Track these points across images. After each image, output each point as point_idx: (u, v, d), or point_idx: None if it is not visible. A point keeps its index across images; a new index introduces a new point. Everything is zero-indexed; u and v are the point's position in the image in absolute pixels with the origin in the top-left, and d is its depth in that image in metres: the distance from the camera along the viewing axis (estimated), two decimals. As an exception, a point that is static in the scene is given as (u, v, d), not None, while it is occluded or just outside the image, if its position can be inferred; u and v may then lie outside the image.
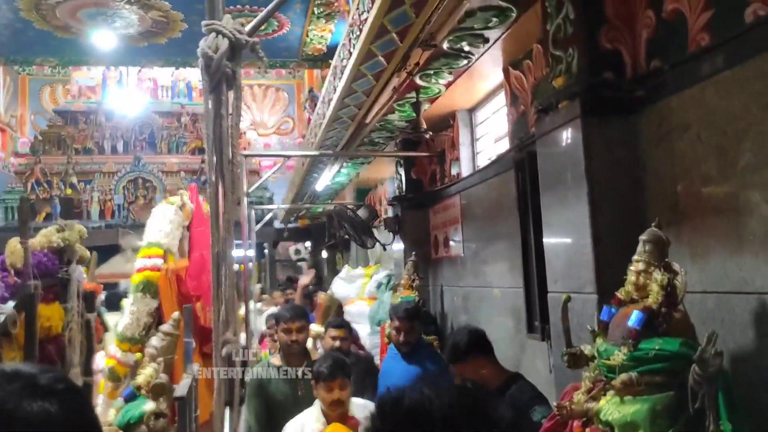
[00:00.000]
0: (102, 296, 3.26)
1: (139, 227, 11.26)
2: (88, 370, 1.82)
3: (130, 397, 2.78)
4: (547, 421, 2.17)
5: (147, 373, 2.79)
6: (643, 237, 2.12)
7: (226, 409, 1.72)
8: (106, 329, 3.19)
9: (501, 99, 4.64)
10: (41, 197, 12.23)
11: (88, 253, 1.81)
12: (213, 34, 1.81)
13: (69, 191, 12.36)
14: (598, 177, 2.63)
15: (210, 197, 1.88)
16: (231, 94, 1.84)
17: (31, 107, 13.88)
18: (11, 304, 1.34)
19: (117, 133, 13.32)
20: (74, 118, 13.38)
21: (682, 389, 1.82)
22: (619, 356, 1.96)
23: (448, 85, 4.47)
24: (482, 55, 3.89)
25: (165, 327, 2.96)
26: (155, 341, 2.92)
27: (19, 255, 1.41)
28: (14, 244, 1.44)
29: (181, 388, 2.61)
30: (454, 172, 5.49)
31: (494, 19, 3.36)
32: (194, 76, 14.47)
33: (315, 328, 4.45)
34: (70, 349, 1.64)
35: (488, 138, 5.10)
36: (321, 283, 12.29)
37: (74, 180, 12.49)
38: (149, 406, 2.63)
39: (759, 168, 2.02)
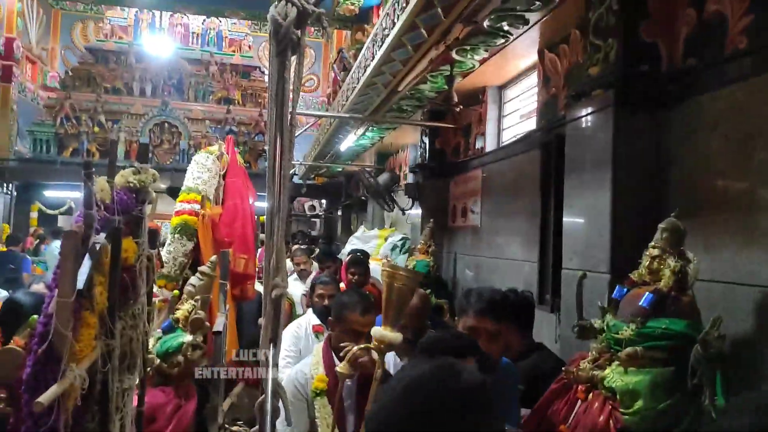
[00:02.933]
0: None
1: (162, 170, 11.53)
2: (149, 300, 2.02)
3: (169, 329, 3.01)
4: (555, 383, 2.36)
5: (185, 309, 3.02)
6: (661, 225, 2.28)
7: (270, 345, 1.92)
8: (162, 265, 3.41)
9: (532, 79, 4.73)
10: (69, 133, 12.44)
11: (153, 194, 1.99)
12: (283, 2, 1.95)
13: (96, 129, 12.56)
14: (623, 165, 2.78)
15: (269, 154, 2.02)
16: (294, 59, 1.99)
17: (61, 42, 13.98)
18: (102, 235, 1.53)
19: (146, 76, 13.43)
20: (105, 56, 13.48)
21: (682, 366, 2.00)
22: (627, 331, 2.14)
23: (482, 61, 4.55)
24: (520, 35, 3.97)
25: (203, 268, 3.16)
26: (194, 280, 3.13)
27: (108, 192, 1.59)
28: (103, 182, 1.62)
29: (218, 324, 2.82)
30: (478, 145, 5.61)
31: (537, 2, 3.44)
32: (225, 25, 14.49)
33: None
34: (140, 280, 1.84)
35: (515, 116, 5.20)
36: (331, 241, 12.55)
37: (102, 119, 12.66)
38: (188, 338, 2.85)
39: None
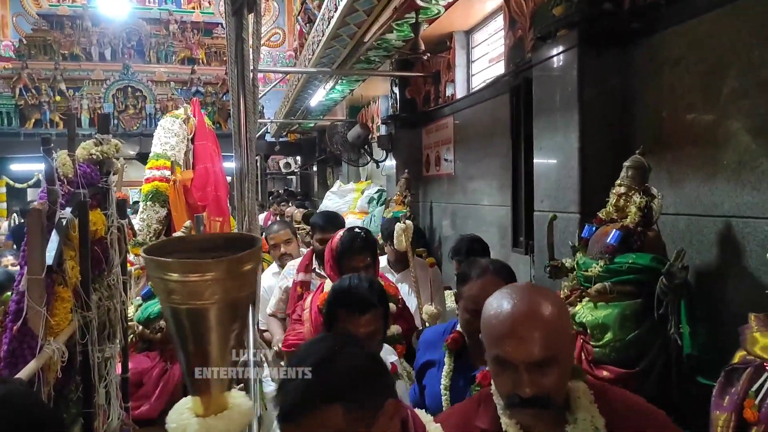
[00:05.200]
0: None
1: (129, 137, 11.33)
2: (123, 269, 2.03)
3: (148, 296, 3.03)
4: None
5: (163, 276, 3.03)
6: (626, 163, 2.33)
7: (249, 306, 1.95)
8: (134, 234, 3.40)
9: (499, 22, 4.68)
10: (30, 103, 12.04)
11: (119, 164, 1.97)
12: (235, -43, 1.89)
13: (58, 98, 12.16)
14: (589, 105, 2.79)
15: (233, 116, 2.00)
16: (251, 18, 1.94)
17: (12, 9, 13.36)
18: (68, 210, 1.52)
19: (104, 40, 12.93)
20: (60, 22, 12.91)
21: (649, 298, 2.08)
22: (596, 268, 2.22)
23: (448, 6, 4.47)
24: (484, -24, 3.91)
25: (178, 233, 3.16)
26: (170, 247, 3.14)
27: (70, 166, 1.57)
28: (64, 156, 1.59)
29: (197, 290, 2.84)
30: (448, 93, 5.57)
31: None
32: (182, -19, 13.95)
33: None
34: (112, 251, 1.84)
35: (483, 60, 5.16)
36: (308, 197, 12.53)
37: (63, 87, 12.25)
38: (168, 304, 2.88)
39: (738, 100, 2.20)
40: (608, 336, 2.09)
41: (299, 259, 3.36)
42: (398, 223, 2.94)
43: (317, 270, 3.17)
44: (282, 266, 3.60)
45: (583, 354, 2.17)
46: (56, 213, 1.45)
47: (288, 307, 3.24)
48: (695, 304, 2.07)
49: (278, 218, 7.62)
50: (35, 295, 1.29)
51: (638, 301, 2.10)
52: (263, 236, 3.45)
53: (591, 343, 2.13)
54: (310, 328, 2.37)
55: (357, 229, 2.62)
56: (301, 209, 7.69)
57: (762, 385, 1.43)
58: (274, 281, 3.56)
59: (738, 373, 1.52)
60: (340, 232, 2.60)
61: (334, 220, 3.43)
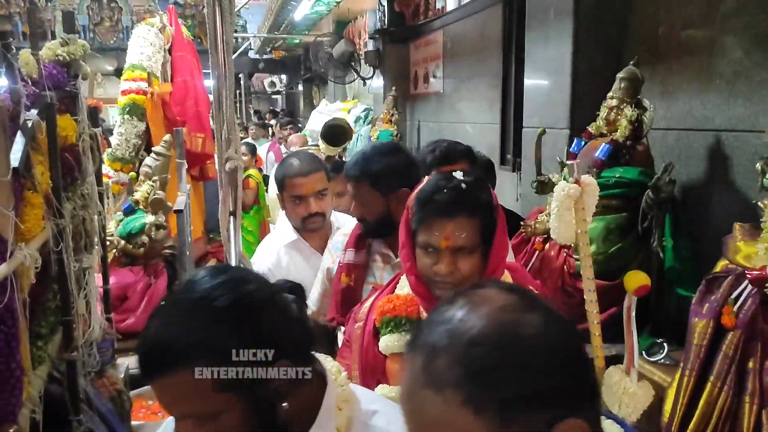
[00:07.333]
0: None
1: (105, 50, 10.86)
2: (99, 180, 1.96)
3: (129, 211, 2.98)
4: (514, 239, 2.44)
5: (144, 190, 2.97)
6: (620, 75, 2.26)
7: (230, 218, 1.91)
8: (108, 145, 3.30)
9: (494, -74, 4.41)
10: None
11: (88, 69, 1.86)
12: None
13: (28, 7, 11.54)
14: (585, 16, 2.68)
15: (208, 19, 1.90)
16: None
17: None
18: (34, 111, 1.43)
19: (74, -55, 12.16)
20: (24, -77, 12.07)
21: (635, 212, 2.08)
22: (583, 183, 2.18)
23: None
24: None
25: (157, 148, 3.07)
26: (149, 161, 3.05)
27: (33, 65, 1.47)
28: (26, 55, 1.48)
29: (178, 203, 2.80)
30: (438, 5, 5.34)
31: None
32: None
33: None
34: (86, 158, 1.76)
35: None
36: (293, 116, 12.28)
37: (34, -3, 11.61)
38: (149, 218, 2.83)
39: (737, 14, 2.10)
40: (591, 249, 2.08)
41: (351, 226, 1.94)
42: (561, 183, 1.57)
43: (376, 247, 1.83)
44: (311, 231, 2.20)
45: (565, 267, 2.18)
46: (21, 114, 1.36)
47: (329, 308, 1.93)
48: (680, 219, 2.07)
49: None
50: (2, 197, 1.24)
51: (623, 215, 2.10)
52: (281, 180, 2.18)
53: (573, 256, 2.14)
54: (358, 351, 1.41)
55: (457, 174, 1.32)
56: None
57: (741, 293, 1.44)
58: (288, 257, 2.21)
59: (719, 282, 1.53)
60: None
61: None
